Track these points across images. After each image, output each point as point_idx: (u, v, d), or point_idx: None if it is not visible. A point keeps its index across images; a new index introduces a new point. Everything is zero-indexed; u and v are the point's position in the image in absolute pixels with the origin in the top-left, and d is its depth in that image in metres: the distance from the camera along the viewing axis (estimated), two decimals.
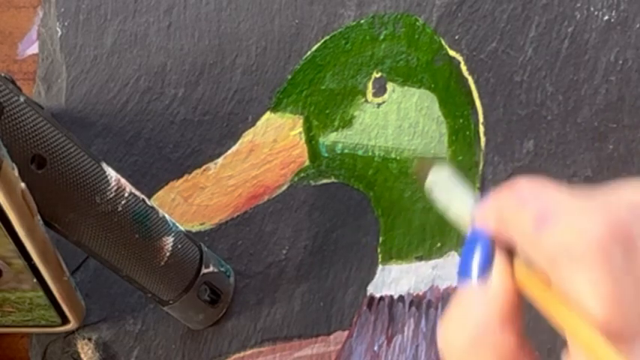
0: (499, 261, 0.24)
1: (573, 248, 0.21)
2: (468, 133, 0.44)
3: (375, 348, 0.42)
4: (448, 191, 0.27)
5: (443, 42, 0.44)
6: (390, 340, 0.42)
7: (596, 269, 0.20)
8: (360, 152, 0.44)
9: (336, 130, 0.45)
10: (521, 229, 0.22)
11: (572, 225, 0.21)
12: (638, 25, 0.44)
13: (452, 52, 0.44)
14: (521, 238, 0.23)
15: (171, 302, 0.40)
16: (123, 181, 0.36)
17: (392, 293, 0.43)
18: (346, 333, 0.43)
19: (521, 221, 0.22)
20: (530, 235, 0.22)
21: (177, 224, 0.39)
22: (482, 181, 0.43)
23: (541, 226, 0.22)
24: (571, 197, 0.22)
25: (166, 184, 0.45)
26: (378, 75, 0.45)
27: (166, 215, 0.39)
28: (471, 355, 0.23)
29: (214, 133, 0.45)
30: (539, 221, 0.22)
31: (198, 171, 0.45)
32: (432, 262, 0.43)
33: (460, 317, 0.24)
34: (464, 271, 0.24)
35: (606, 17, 0.44)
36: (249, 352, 0.43)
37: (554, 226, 0.21)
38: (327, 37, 0.45)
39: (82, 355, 0.43)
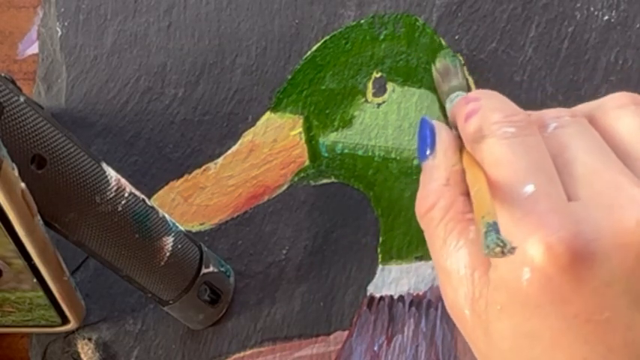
0: (440, 139, 0.31)
1: (480, 131, 0.29)
2: None
3: (375, 348, 0.42)
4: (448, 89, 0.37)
5: (443, 42, 0.44)
6: (390, 340, 0.42)
7: (492, 144, 0.28)
8: (360, 152, 0.44)
9: (336, 130, 0.45)
10: (459, 121, 0.30)
11: (479, 122, 0.29)
12: (638, 25, 0.44)
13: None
14: (459, 129, 0.30)
15: (171, 302, 0.40)
16: (123, 181, 0.36)
17: (392, 293, 0.43)
18: (346, 333, 0.43)
19: (460, 116, 0.30)
20: (462, 125, 0.30)
21: (177, 224, 0.39)
22: None
23: (467, 119, 0.29)
24: (497, 101, 0.30)
25: (166, 184, 0.45)
26: (378, 75, 0.45)
27: (166, 215, 0.39)
28: (431, 217, 0.30)
29: (214, 133, 0.45)
30: (467, 116, 0.30)
31: (198, 171, 0.45)
32: (432, 262, 0.43)
33: (422, 189, 0.31)
34: (421, 155, 0.31)
35: (606, 17, 0.44)
36: (249, 352, 0.43)
37: (474, 117, 0.29)
38: (327, 37, 0.45)
39: (82, 355, 0.43)
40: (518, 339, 0.27)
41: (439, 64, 0.43)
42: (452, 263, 0.29)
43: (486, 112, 0.29)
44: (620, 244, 0.25)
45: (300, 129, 0.45)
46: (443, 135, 0.31)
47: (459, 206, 0.29)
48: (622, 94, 0.31)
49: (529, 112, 0.32)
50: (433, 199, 0.30)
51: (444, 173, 0.30)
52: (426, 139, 0.32)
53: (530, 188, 0.27)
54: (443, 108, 0.44)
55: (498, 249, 0.24)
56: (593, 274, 0.25)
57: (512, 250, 0.24)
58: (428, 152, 0.31)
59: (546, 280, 0.25)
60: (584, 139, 0.29)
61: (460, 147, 0.31)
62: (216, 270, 0.42)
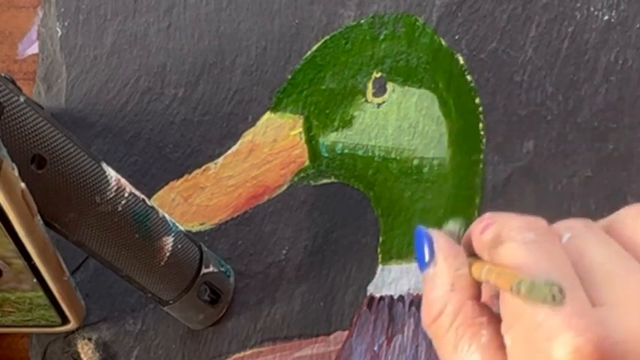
0: (439, 246, 0.31)
1: (498, 237, 0.29)
2: (467, 132, 0.44)
3: (375, 348, 0.42)
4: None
5: (443, 42, 0.44)
6: (390, 340, 0.42)
7: (511, 248, 0.28)
8: (360, 152, 0.44)
9: (336, 130, 0.45)
10: (474, 236, 0.30)
11: (497, 229, 0.29)
12: (638, 25, 0.44)
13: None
14: (474, 243, 0.31)
15: (171, 302, 0.40)
16: (123, 181, 0.36)
17: (392, 293, 0.43)
18: (346, 333, 0.43)
19: (474, 232, 0.30)
20: (478, 238, 0.30)
21: (177, 224, 0.39)
22: (483, 181, 0.43)
23: (484, 231, 0.30)
24: (510, 217, 0.30)
25: (166, 184, 0.45)
26: (378, 75, 0.45)
27: (166, 215, 0.39)
28: (439, 325, 0.30)
29: (214, 133, 0.45)
30: (484, 228, 0.30)
31: (198, 171, 0.45)
32: None
33: (426, 300, 0.30)
34: (420, 264, 0.31)
35: (606, 17, 0.44)
36: (249, 352, 0.43)
37: (491, 228, 0.29)
38: (327, 37, 0.45)
39: (82, 355, 0.43)
40: None
41: (452, 226, 0.43)
42: None
43: (504, 221, 0.29)
44: None
45: (300, 129, 0.45)
46: (441, 242, 0.31)
47: (468, 310, 0.29)
48: (638, 205, 0.31)
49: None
50: (439, 306, 0.30)
51: (448, 280, 0.30)
52: (423, 247, 0.31)
53: None
54: (443, 108, 0.44)
55: (556, 288, 0.24)
56: None
57: (563, 300, 0.24)
58: (427, 260, 0.31)
59: None
60: (602, 246, 0.29)
61: (465, 254, 0.31)
62: (216, 270, 0.42)
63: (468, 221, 0.43)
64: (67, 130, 0.35)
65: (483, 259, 0.30)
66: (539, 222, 0.29)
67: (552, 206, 0.43)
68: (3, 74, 0.39)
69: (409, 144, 0.44)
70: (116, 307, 0.44)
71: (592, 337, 0.25)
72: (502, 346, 0.28)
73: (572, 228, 0.30)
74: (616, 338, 0.25)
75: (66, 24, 0.47)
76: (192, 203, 0.45)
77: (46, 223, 0.35)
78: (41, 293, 0.36)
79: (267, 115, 0.45)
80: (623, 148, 0.43)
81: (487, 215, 0.31)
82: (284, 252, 0.44)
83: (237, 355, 0.43)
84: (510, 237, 0.28)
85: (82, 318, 0.39)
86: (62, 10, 0.47)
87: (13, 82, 0.42)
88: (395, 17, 0.45)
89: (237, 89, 0.46)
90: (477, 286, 0.30)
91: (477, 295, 0.30)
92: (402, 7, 0.45)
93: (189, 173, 0.45)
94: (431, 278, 0.31)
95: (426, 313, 0.30)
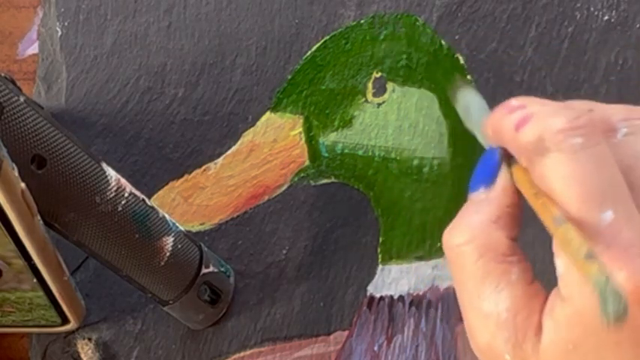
0: (502, 172, 0.28)
1: (541, 142, 0.25)
2: (468, 133, 0.44)
3: (375, 348, 0.42)
4: (471, 110, 0.32)
5: (443, 42, 0.44)
6: (390, 340, 0.42)
7: (558, 161, 0.24)
8: (360, 152, 0.44)
9: (336, 130, 0.45)
10: (507, 132, 0.27)
11: (539, 129, 0.25)
12: (638, 25, 0.44)
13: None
14: (507, 140, 0.27)
15: (171, 302, 0.40)
16: (123, 181, 0.36)
17: (392, 293, 0.43)
18: (346, 333, 0.43)
19: (507, 126, 0.26)
20: (513, 135, 0.26)
21: (177, 224, 0.39)
22: None
23: (520, 127, 0.26)
24: (549, 105, 0.26)
25: (166, 184, 0.45)
26: (378, 75, 0.45)
27: (166, 215, 0.39)
28: (465, 252, 0.27)
29: (214, 133, 0.45)
30: (519, 124, 0.26)
31: (198, 171, 0.45)
32: (432, 262, 0.43)
33: (461, 220, 0.28)
34: (473, 184, 0.28)
35: (606, 17, 0.44)
36: (249, 352, 0.43)
37: (529, 125, 0.25)
38: (327, 37, 0.45)
39: (82, 355, 0.43)
40: None
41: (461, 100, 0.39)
42: (490, 306, 0.27)
43: (543, 117, 0.25)
44: None
45: (300, 129, 0.45)
46: (505, 171, 0.28)
47: (503, 249, 0.27)
48: None
49: (585, 103, 0.28)
50: (474, 233, 0.27)
51: (496, 212, 0.27)
52: (489, 168, 0.28)
53: (609, 215, 0.24)
54: (443, 108, 0.44)
55: (623, 305, 0.22)
56: None
57: (622, 317, 0.22)
58: (484, 184, 0.28)
59: (630, 318, 0.23)
60: None
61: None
62: (216, 270, 0.42)
63: None
64: (67, 130, 0.35)
65: (521, 165, 0.27)
66: (583, 117, 0.25)
67: None
68: (3, 74, 0.39)
69: (409, 144, 0.44)
70: (116, 307, 0.44)
71: None
72: (532, 282, 0.27)
73: (629, 120, 0.26)
74: None
75: (66, 24, 0.47)
76: (192, 203, 0.45)
77: (46, 223, 0.35)
78: (41, 293, 0.36)
79: (267, 115, 0.45)
80: None
81: (515, 104, 0.27)
82: (284, 252, 0.44)
83: (237, 355, 0.43)
84: (556, 144, 0.25)
85: (82, 318, 0.39)
86: (62, 10, 0.47)
87: (13, 82, 0.42)
88: (395, 17, 0.45)
89: (237, 89, 0.46)
90: (518, 226, 0.27)
91: (515, 237, 0.27)
92: (402, 7, 0.45)
93: (189, 173, 0.45)
94: (477, 202, 0.28)
95: (454, 234, 0.27)
